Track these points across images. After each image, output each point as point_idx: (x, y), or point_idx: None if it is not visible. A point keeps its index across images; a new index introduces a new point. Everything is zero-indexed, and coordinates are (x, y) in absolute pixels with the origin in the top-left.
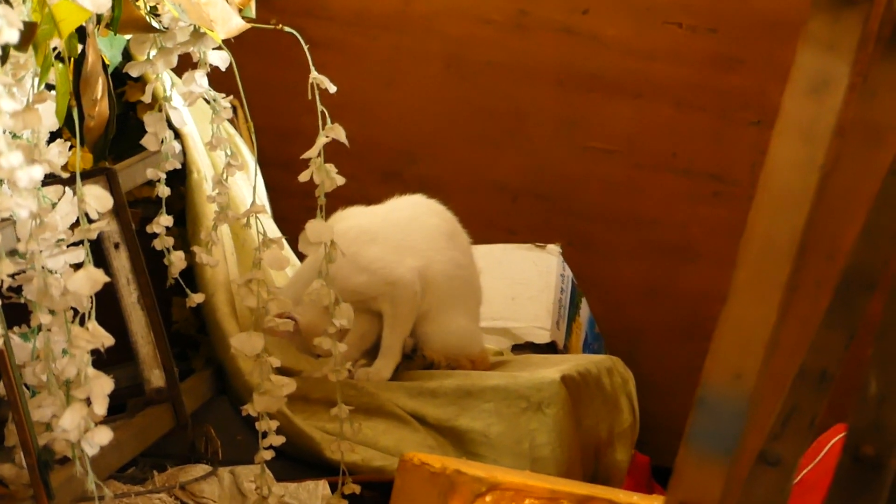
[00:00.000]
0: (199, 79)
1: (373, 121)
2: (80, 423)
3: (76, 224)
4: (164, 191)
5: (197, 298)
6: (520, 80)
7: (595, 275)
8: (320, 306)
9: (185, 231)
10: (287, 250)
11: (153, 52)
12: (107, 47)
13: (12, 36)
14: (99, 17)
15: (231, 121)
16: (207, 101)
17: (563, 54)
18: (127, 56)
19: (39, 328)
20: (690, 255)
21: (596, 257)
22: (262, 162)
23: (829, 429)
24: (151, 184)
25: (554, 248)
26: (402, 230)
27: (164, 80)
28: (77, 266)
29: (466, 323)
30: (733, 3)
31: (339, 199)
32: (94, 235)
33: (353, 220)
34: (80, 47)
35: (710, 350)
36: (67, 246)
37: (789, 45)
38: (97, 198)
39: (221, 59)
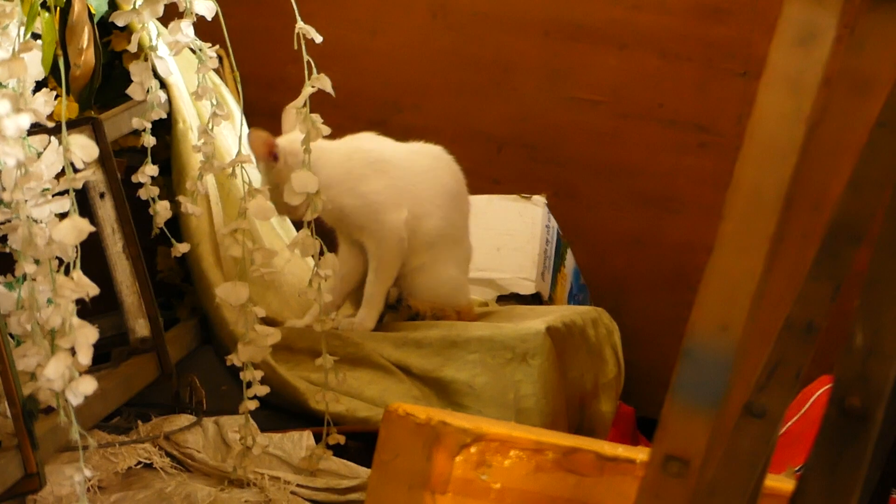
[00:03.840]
0: (185, 28)
1: (358, 70)
2: (64, 372)
3: (62, 173)
4: (149, 140)
5: (182, 248)
6: (505, 30)
7: (580, 225)
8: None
9: (171, 181)
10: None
11: (139, 2)
12: None
13: None
14: None
15: (217, 70)
16: (193, 51)
17: (548, 4)
18: (113, 5)
19: (24, 277)
20: (676, 205)
21: (581, 207)
22: (248, 111)
23: (815, 380)
24: (137, 133)
25: (539, 199)
26: (415, 176)
27: (149, 30)
28: (62, 215)
29: (456, 274)
30: None
31: None
32: (79, 185)
33: (377, 145)
34: None
35: (696, 302)
36: (53, 195)
37: None
38: (83, 147)
39: (207, 9)
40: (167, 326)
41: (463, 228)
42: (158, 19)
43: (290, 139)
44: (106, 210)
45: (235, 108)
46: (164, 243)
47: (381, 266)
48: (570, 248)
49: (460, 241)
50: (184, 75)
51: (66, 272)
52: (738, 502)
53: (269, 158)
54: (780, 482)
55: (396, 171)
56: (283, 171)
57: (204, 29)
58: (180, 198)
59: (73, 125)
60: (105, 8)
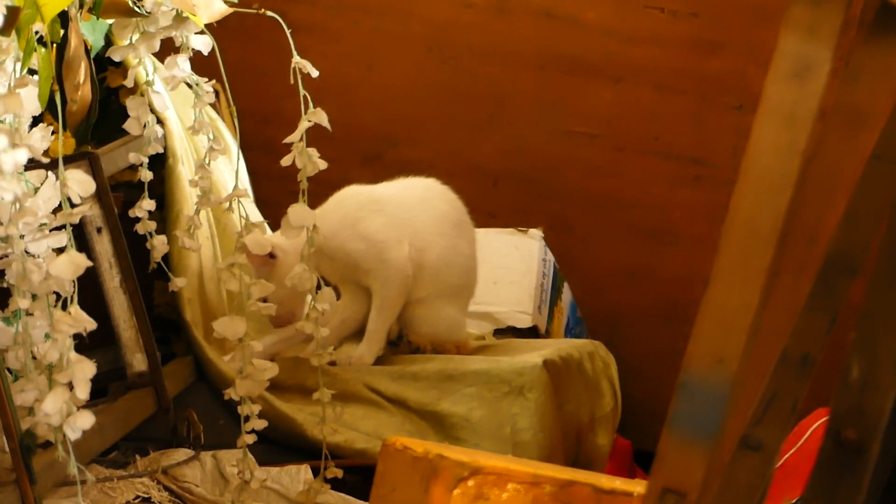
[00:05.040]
0: (182, 63)
1: (354, 104)
2: (62, 407)
3: (59, 208)
4: (146, 175)
5: (179, 282)
6: (501, 64)
7: (576, 258)
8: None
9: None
10: (269, 235)
11: (135, 37)
12: (89, 31)
13: None
14: (81, 2)
15: (213, 105)
16: (190, 86)
17: (544, 38)
18: (109, 41)
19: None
20: (671, 238)
21: (577, 240)
22: (244, 145)
23: (811, 413)
24: (134, 168)
25: (536, 233)
26: (410, 209)
27: (146, 65)
28: (60, 250)
29: (456, 312)
30: None
31: (320, 183)
32: (76, 220)
33: (365, 188)
34: (62, 32)
35: (693, 335)
36: (50, 230)
37: (771, 29)
38: (80, 182)
39: (204, 44)
40: (164, 361)
41: (470, 257)
42: (154, 54)
43: (276, 234)
44: (103, 245)
45: (232, 143)
46: (161, 277)
47: (384, 303)
48: (567, 282)
49: (467, 272)
50: (178, 110)
51: (64, 307)
52: None
53: (267, 259)
54: None
55: (391, 208)
56: (285, 262)
57: (200, 63)
58: (177, 232)
59: (69, 160)
60: (101, 43)
